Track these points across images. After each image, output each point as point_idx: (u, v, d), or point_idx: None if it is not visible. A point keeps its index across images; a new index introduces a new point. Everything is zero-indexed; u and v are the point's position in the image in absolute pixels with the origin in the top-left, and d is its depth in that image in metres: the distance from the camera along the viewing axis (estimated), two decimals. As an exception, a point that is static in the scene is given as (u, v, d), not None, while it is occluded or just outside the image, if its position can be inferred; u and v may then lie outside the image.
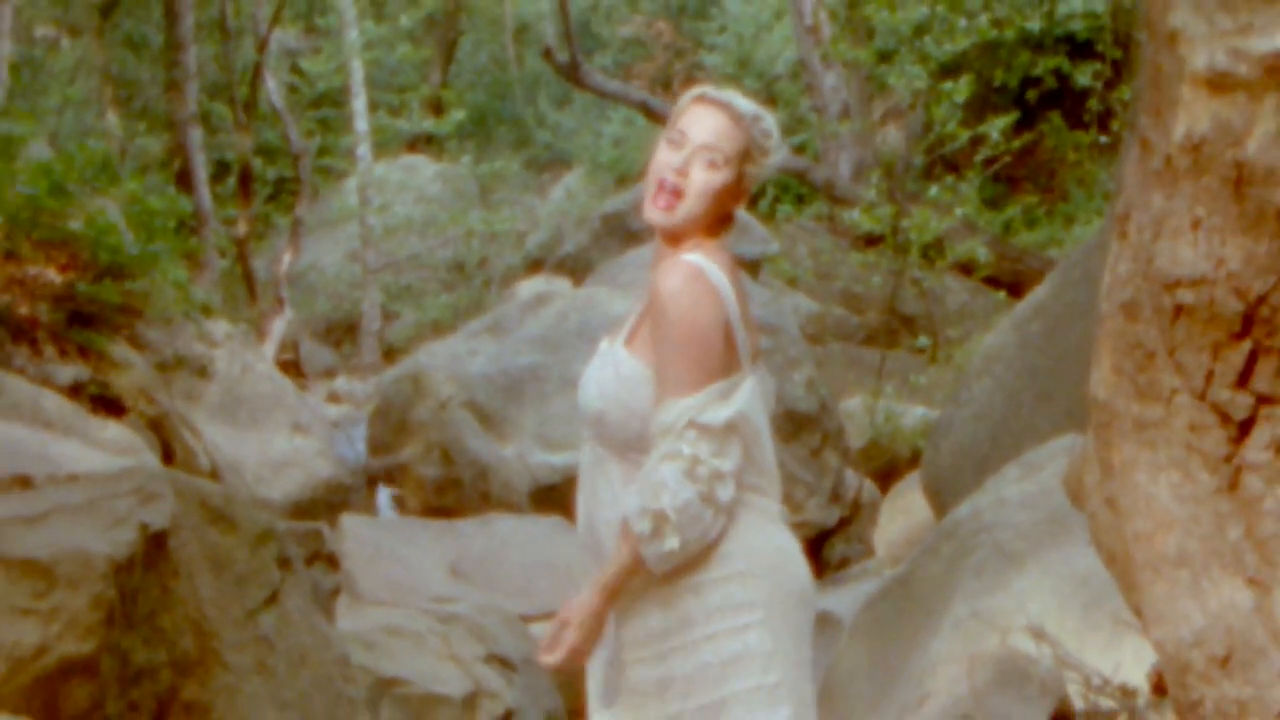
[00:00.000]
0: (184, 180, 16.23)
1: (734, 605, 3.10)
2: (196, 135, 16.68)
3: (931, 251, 14.62)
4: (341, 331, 21.58)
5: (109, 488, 4.41)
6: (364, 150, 21.78)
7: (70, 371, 7.02)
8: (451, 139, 25.31)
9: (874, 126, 18.97)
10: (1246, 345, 2.34)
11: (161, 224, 8.69)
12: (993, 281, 16.04)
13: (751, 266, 14.04)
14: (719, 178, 3.16)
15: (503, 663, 7.03)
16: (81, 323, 7.38)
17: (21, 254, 7.33)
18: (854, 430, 12.87)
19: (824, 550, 11.47)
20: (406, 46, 25.00)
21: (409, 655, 6.78)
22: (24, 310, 7.06)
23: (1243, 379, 2.37)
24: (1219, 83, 2.26)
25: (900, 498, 11.13)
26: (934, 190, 15.58)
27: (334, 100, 24.23)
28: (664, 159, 3.18)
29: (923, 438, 11.41)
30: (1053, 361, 8.32)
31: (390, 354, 19.84)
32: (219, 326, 10.14)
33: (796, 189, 19.26)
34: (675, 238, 3.19)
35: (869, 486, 12.28)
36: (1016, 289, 14.97)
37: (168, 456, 7.28)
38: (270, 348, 16.43)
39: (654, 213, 3.18)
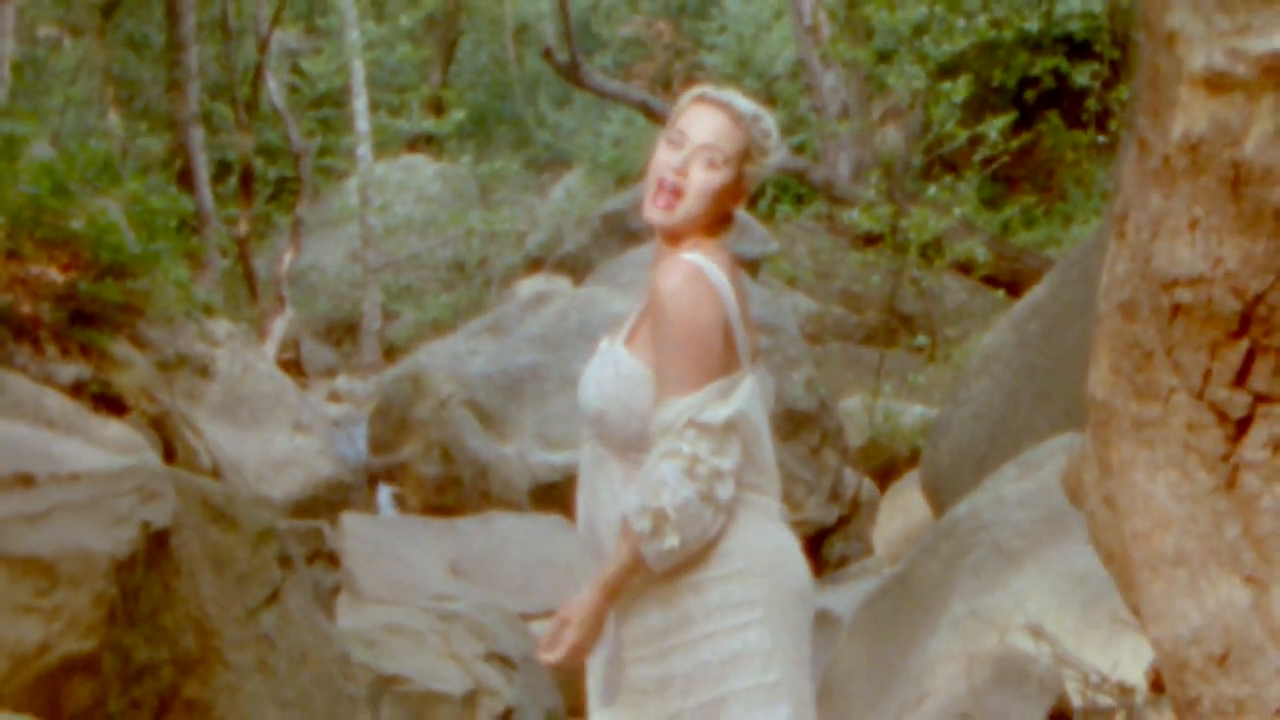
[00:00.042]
0: (185, 180, 16.24)
1: (733, 603, 3.10)
2: (198, 135, 16.69)
3: (930, 251, 14.63)
4: (342, 331, 21.60)
5: (111, 486, 4.41)
6: (364, 150, 21.79)
7: (72, 370, 7.03)
8: (452, 139, 25.31)
9: (873, 126, 18.98)
10: (1244, 344, 2.35)
11: (163, 223, 8.70)
12: (991, 281, 16.06)
13: (751, 266, 14.04)
14: (718, 177, 3.16)
15: (503, 661, 7.04)
16: (83, 322, 7.38)
17: (24, 253, 7.33)
18: (853, 429, 12.88)
19: (823, 549, 11.48)
20: (407, 47, 25.00)
21: (409, 653, 6.78)
22: (26, 309, 7.07)
23: (1240, 378, 2.38)
24: (1217, 83, 2.27)
25: (899, 496, 11.15)
26: (933, 190, 15.59)
27: (335, 100, 24.24)
28: (664, 159, 3.18)
29: (921, 436, 11.42)
30: (1051, 361, 8.33)
31: (391, 353, 19.86)
32: (220, 326, 10.14)
33: (796, 189, 19.26)
34: (675, 237, 3.19)
35: (868, 485, 12.29)
36: (1015, 288, 14.98)
37: (169, 455, 7.28)
38: (271, 347, 16.44)
39: (654, 212, 3.19)
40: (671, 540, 3.03)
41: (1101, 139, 15.57)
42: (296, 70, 24.64)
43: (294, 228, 18.71)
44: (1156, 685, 4.12)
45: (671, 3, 27.25)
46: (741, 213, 3.29)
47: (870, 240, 15.56)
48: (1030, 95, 17.37)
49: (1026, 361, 8.63)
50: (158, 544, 4.31)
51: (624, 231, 17.47)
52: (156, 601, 4.29)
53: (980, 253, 14.73)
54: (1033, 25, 16.33)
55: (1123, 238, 2.52)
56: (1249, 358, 2.36)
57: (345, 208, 22.06)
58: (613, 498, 3.15)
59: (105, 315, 7.52)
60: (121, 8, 20.49)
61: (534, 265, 20.53)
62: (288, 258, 18.20)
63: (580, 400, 3.25)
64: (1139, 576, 2.54)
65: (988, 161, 16.16)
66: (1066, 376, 7.62)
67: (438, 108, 25.79)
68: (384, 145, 23.50)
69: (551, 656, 3.10)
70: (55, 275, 7.39)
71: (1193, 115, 2.32)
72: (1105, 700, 4.35)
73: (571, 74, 17.75)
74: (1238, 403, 2.39)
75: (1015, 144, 16.35)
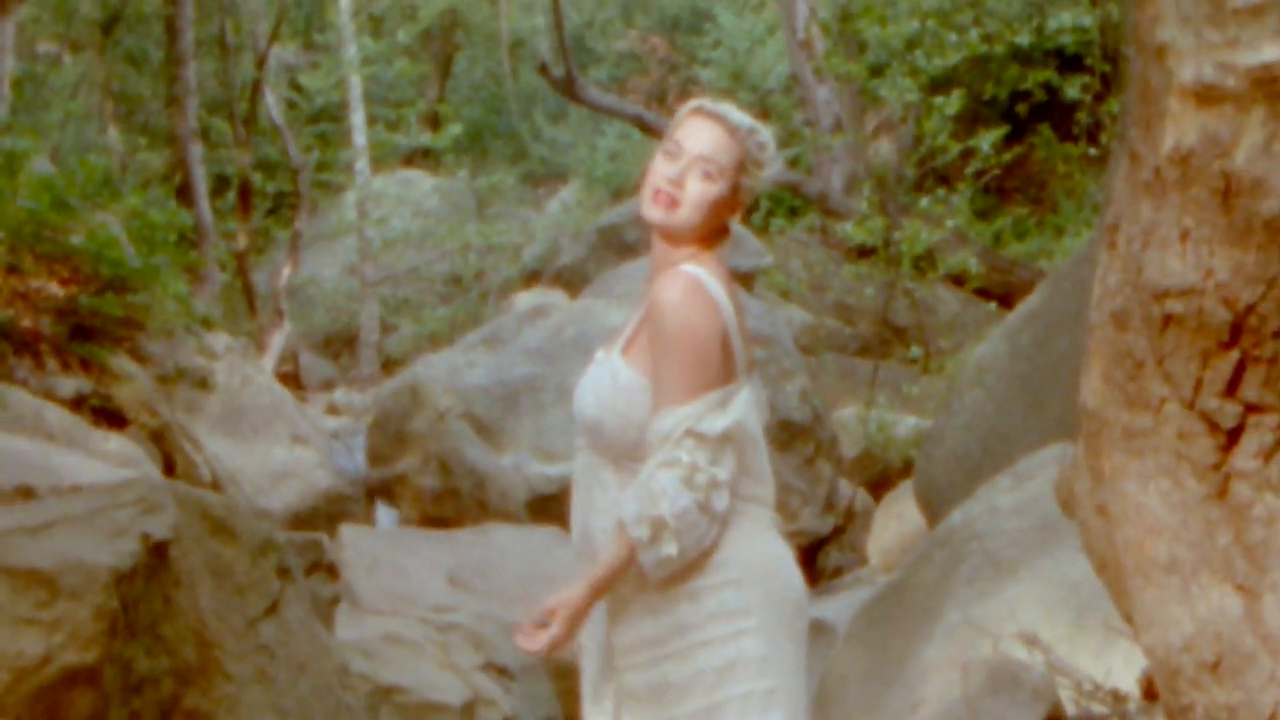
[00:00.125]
0: (184, 195, 16.27)
1: (729, 612, 3.12)
2: (197, 150, 16.72)
3: (923, 263, 14.63)
4: (340, 344, 21.61)
5: (111, 499, 4.41)
6: (362, 165, 21.84)
7: (72, 384, 7.03)
8: (448, 153, 25.30)
9: (866, 140, 18.98)
10: (1235, 355, 2.36)
11: (162, 238, 8.70)
12: (984, 292, 16.05)
13: (746, 279, 14.03)
14: (714, 189, 3.18)
15: (500, 671, 7.05)
16: (83, 336, 7.38)
17: (24, 268, 7.33)
18: (847, 440, 12.89)
19: (818, 558, 11.50)
20: (404, 62, 25.04)
21: (408, 663, 6.79)
22: (27, 324, 7.07)
23: (1231, 388, 2.38)
24: (1207, 95, 2.28)
25: (893, 506, 11.16)
26: (925, 202, 15.61)
27: (332, 115, 24.26)
28: (660, 170, 3.20)
29: (915, 447, 11.42)
30: (1043, 371, 8.34)
31: (388, 366, 19.87)
32: (219, 339, 10.15)
33: (790, 202, 19.27)
34: (674, 239, 3.21)
35: (862, 495, 12.31)
36: (1007, 300, 14.98)
37: (169, 468, 7.28)
38: (270, 360, 16.45)
39: (653, 211, 3.19)
40: (669, 548, 3.04)
41: (1093, 151, 15.58)
42: (294, 85, 24.66)
43: (292, 242, 18.73)
44: (1149, 693, 4.14)
45: (666, 18, 27.28)
46: (736, 226, 3.30)
47: (864, 253, 15.56)
48: (1022, 108, 17.38)
49: (1019, 372, 8.64)
50: (158, 556, 4.31)
51: (620, 245, 17.47)
52: (157, 613, 4.29)
53: (973, 264, 14.73)
54: (1024, 39, 16.34)
55: (1114, 249, 2.53)
56: (1240, 368, 2.37)
57: (343, 222, 22.09)
58: (609, 506, 3.15)
59: (105, 329, 7.52)
60: (121, 24, 20.50)
61: (530, 278, 20.51)
62: (286, 271, 18.21)
63: (576, 409, 3.25)
64: (1131, 584, 2.55)
65: (980, 174, 16.17)
66: (1059, 387, 7.64)
67: (435, 122, 25.82)
68: (381, 160, 23.53)
69: (532, 645, 3.08)
70: (56, 290, 7.39)
71: (1183, 127, 2.32)
72: (1098, 708, 4.36)
73: (567, 89, 17.75)
74: (1229, 412, 2.39)
75: (1007, 157, 16.35)
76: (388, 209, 22.24)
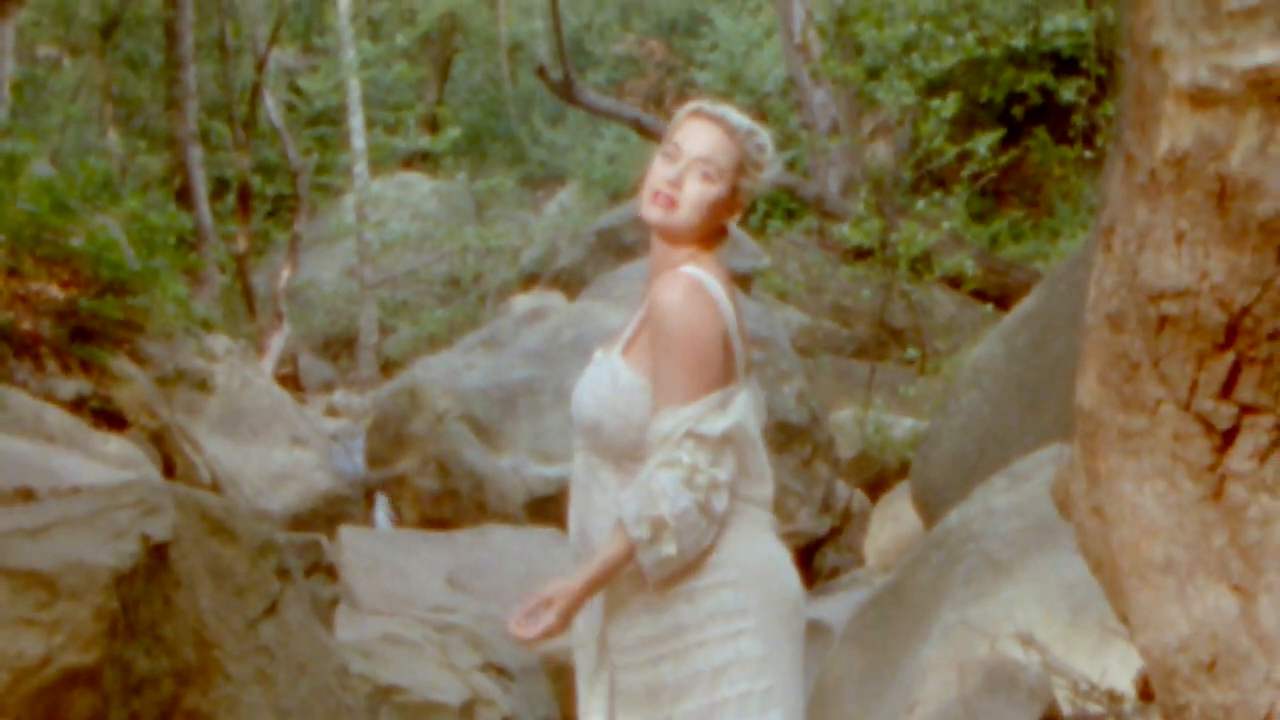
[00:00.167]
0: (184, 197, 16.28)
1: (726, 612, 3.12)
2: (196, 153, 16.72)
3: (920, 265, 14.65)
4: (339, 346, 21.63)
5: (111, 500, 4.41)
6: (361, 167, 21.86)
7: (73, 386, 7.03)
8: (447, 156, 25.32)
9: (863, 142, 18.99)
10: (1230, 356, 2.37)
11: (162, 240, 8.70)
12: (980, 294, 16.07)
13: (743, 281, 14.05)
14: (713, 190, 3.18)
15: (499, 671, 7.06)
16: (83, 338, 7.38)
17: (24, 270, 7.33)
18: (844, 441, 12.91)
19: (815, 559, 11.51)
20: (402, 65, 25.08)
21: (407, 664, 6.81)
22: (27, 326, 7.07)
23: (1226, 389, 2.39)
24: (1202, 98, 2.29)
25: (890, 507, 11.16)
26: (922, 205, 15.62)
27: (331, 118, 24.27)
28: (659, 172, 3.20)
29: (912, 448, 11.43)
30: (1039, 373, 8.34)
31: (387, 368, 19.89)
32: (219, 341, 10.16)
33: (787, 204, 19.28)
34: (674, 240, 3.21)
35: (859, 496, 12.32)
36: (1003, 301, 15.00)
37: (169, 469, 7.28)
38: (269, 362, 16.47)
39: (653, 210, 3.20)
40: (669, 548, 3.04)
41: (1088, 154, 15.59)
42: (294, 89, 24.68)
43: (291, 244, 18.74)
44: (1145, 693, 4.14)
45: (663, 21, 27.29)
46: (734, 228, 3.31)
47: (861, 255, 15.58)
48: (1018, 111, 17.39)
49: (1015, 374, 8.64)
50: (158, 557, 4.32)
51: (618, 247, 17.48)
52: (156, 614, 4.30)
53: (969, 266, 14.74)
54: (1020, 42, 16.36)
55: (1110, 251, 2.53)
56: (1235, 369, 2.37)
57: (342, 224, 22.11)
58: (608, 506, 3.16)
59: (105, 331, 7.52)
60: (121, 28, 20.52)
61: (529, 281, 20.53)
62: (285, 274, 18.22)
63: (575, 410, 3.25)
64: (1127, 585, 2.55)
65: (976, 176, 16.17)
66: (1055, 388, 7.65)
67: (433, 125, 25.85)
68: (380, 162, 23.56)
69: (525, 633, 3.08)
70: (56, 292, 7.39)
71: (1178, 130, 2.33)
72: (1094, 708, 4.37)
73: (565, 91, 17.75)
74: (1224, 414, 2.40)
75: (1003, 159, 16.35)
76: (386, 212, 22.26)
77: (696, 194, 3.18)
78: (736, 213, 3.27)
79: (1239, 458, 2.41)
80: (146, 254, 8.22)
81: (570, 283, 17.54)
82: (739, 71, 23.23)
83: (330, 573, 6.71)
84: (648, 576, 3.08)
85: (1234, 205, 2.29)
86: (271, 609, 4.82)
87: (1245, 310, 2.32)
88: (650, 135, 16.77)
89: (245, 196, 17.96)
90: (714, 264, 3.20)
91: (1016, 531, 5.66)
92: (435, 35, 26.86)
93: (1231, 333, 2.35)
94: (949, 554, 5.83)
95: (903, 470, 11.67)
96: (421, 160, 25.66)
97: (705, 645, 3.12)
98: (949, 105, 14.81)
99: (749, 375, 3.25)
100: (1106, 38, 15.34)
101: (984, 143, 15.53)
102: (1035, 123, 17.64)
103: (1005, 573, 5.44)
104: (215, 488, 7.53)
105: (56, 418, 6.56)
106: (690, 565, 3.10)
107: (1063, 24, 17.33)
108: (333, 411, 17.28)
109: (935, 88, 15.95)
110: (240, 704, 4.51)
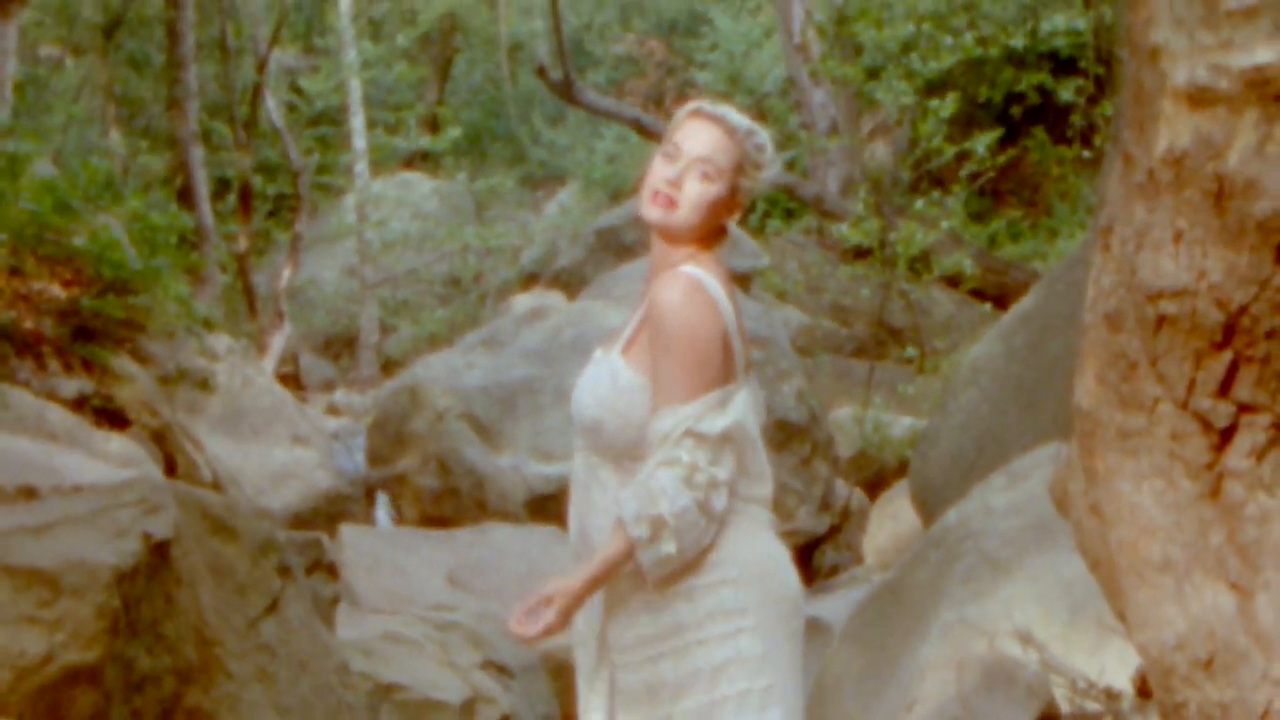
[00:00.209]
0: (186, 197, 16.28)
1: (725, 611, 3.13)
2: (198, 153, 16.72)
3: (918, 264, 14.65)
4: (340, 345, 21.65)
5: (113, 499, 4.43)
6: (362, 167, 21.88)
7: (74, 385, 7.03)
8: (447, 156, 25.32)
9: (862, 142, 18.99)
10: (1228, 355, 2.36)
11: (164, 240, 8.70)
12: (978, 294, 16.07)
13: (743, 280, 14.05)
14: (713, 190, 3.19)
15: (499, 669, 7.07)
16: (85, 337, 7.38)
17: (26, 270, 7.33)
18: (843, 440, 12.92)
19: (814, 558, 11.53)
20: (403, 65, 25.08)
21: (407, 662, 6.82)
22: (29, 325, 7.07)
23: (1224, 388, 2.38)
24: (1200, 97, 2.29)
25: (889, 506, 11.16)
26: (920, 204, 15.64)
27: (332, 118, 24.28)
28: (659, 172, 3.21)
29: (910, 447, 11.44)
30: (1038, 372, 8.33)
31: (388, 367, 19.91)
32: (220, 341, 10.15)
33: (786, 204, 19.28)
34: (673, 239, 3.22)
35: (858, 495, 12.33)
36: (1002, 301, 15.01)
37: (170, 468, 7.28)
38: (270, 361, 16.47)
39: (653, 210, 3.20)
40: (668, 547, 3.05)
41: (1086, 154, 15.58)
42: (295, 89, 24.67)
43: (292, 244, 18.75)
44: (1143, 690, 4.15)
45: (663, 21, 27.28)
46: (733, 228, 3.32)
47: (859, 254, 15.58)
48: (1016, 111, 17.39)
49: (1013, 373, 8.63)
50: (159, 555, 4.33)
51: (618, 246, 17.49)
52: (158, 612, 4.31)
53: (968, 266, 14.74)
54: (1018, 42, 16.36)
55: (1108, 250, 2.53)
56: (1232, 368, 2.37)
57: (343, 224, 22.12)
58: (608, 505, 3.16)
59: (107, 330, 7.52)
60: (123, 28, 20.52)
61: (529, 280, 20.54)
62: (286, 273, 18.23)
63: (575, 410, 3.25)
64: (1125, 583, 2.55)
65: (975, 176, 16.17)
66: (1053, 387, 7.64)
67: (434, 125, 25.86)
68: (381, 162, 23.56)
69: (526, 631, 3.09)
70: (57, 291, 7.39)
71: (1176, 129, 2.33)
72: (1092, 705, 4.38)
73: (565, 91, 17.75)
74: (1221, 412, 2.40)
75: (1002, 159, 16.36)
76: (387, 211, 22.27)
77: (696, 194, 3.18)
78: (736, 212, 3.27)
79: (1236, 456, 2.41)
80: (148, 253, 8.22)
81: (570, 282, 17.55)
82: (738, 71, 23.23)
83: (331, 571, 6.73)
84: (647, 575, 3.08)
85: (1232, 205, 2.28)
86: (272, 607, 4.84)
87: (1243, 309, 2.32)
88: (650, 135, 16.77)
89: (246, 196, 17.96)
90: (713, 263, 3.21)
91: (1015, 530, 5.67)
92: (435, 35, 26.86)
93: (1229, 332, 2.34)
94: (947, 552, 5.84)
95: (901, 469, 11.68)
96: (422, 160, 25.66)
97: (705, 643, 3.13)
98: (948, 105, 14.83)
99: (748, 374, 3.26)
100: (1105, 37, 15.35)
101: (982, 142, 15.54)
102: (1033, 122, 17.63)
103: (1003, 571, 5.44)
104: (216, 486, 7.53)
105: (58, 416, 6.56)
106: (690, 564, 3.11)
107: (1061, 24, 17.33)
108: (334, 410, 17.29)
109: (934, 88, 15.96)
110: (241, 702, 4.52)
